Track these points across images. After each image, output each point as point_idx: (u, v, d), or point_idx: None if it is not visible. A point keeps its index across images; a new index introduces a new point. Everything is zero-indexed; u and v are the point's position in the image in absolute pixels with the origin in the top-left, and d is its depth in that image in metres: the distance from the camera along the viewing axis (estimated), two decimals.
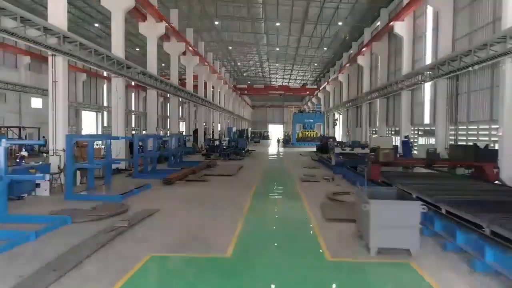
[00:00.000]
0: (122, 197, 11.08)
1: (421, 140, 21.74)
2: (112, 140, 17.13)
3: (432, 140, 19.92)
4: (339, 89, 48.47)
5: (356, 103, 36.17)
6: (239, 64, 62.34)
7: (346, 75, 43.38)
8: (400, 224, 6.36)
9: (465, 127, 17.37)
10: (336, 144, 21.22)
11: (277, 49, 47.32)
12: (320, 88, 60.97)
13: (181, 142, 27.04)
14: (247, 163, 24.79)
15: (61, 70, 13.68)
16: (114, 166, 17.37)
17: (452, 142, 17.60)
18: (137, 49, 45.90)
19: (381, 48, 27.99)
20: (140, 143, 22.52)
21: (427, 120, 20.99)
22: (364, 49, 32.40)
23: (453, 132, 17.98)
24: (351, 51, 40.84)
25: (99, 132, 49.81)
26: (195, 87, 42.33)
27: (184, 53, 34.24)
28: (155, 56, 23.76)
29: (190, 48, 32.38)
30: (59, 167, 12.97)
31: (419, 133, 21.82)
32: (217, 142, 34.84)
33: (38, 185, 11.59)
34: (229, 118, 63.82)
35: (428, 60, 20.75)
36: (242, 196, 12.30)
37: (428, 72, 18.67)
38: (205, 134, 46.35)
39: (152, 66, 23.36)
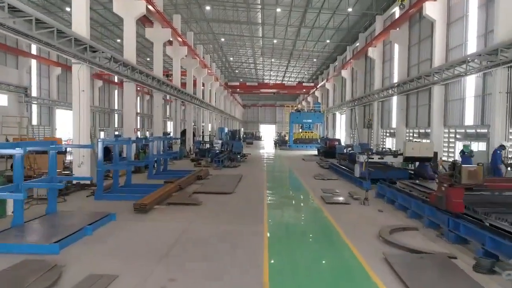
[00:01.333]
0: (59, 247, 6.75)
1: (460, 145, 17.83)
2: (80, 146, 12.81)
3: (481, 146, 16.00)
4: (341, 86, 44.53)
5: (363, 102, 32.24)
6: (231, 59, 58.07)
7: (350, 70, 39.44)
8: None
9: None
10: (361, 151, 17.07)
11: (274, 41, 43.17)
12: (318, 86, 57.04)
13: (166, 146, 22.75)
14: (245, 171, 20.57)
15: None
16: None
17: None
18: (118, 40, 41.34)
19: (400, 35, 24.03)
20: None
21: (470, 120, 17.05)
22: (375, 40, 28.45)
23: None
24: (357, 44, 36.92)
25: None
26: (183, 85, 38.02)
27: (170, 43, 29.85)
28: (133, 41, 19.36)
29: (178, 37, 28.00)
30: None
31: (457, 136, 17.90)
32: (208, 145, 30.53)
33: None
34: (220, 117, 59.46)
35: (473, 46, 16.81)
36: (253, 238, 8.05)
37: (479, 60, 14.69)
38: (194, 135, 42.06)
39: (129, 53, 18.96)
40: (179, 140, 31.61)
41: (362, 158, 15.34)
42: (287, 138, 57.39)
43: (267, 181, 16.91)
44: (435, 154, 15.29)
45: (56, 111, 40.55)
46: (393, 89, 24.50)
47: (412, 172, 16.26)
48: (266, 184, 15.97)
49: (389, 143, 27.52)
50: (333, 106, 47.01)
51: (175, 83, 28.88)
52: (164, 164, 19.32)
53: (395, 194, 11.38)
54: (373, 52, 29.29)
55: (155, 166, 18.30)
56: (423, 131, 21.62)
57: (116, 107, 57.57)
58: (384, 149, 23.66)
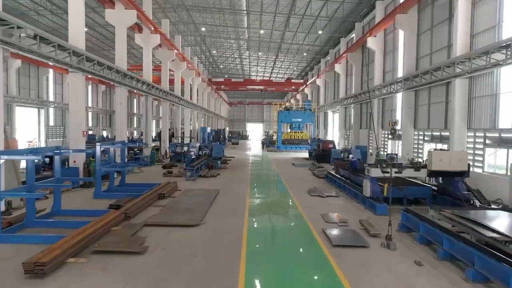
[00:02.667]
0: None
1: (491, 152, 14.29)
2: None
3: None
4: (334, 82, 40.95)
5: (360, 99, 28.65)
6: (214, 52, 53.97)
7: (344, 64, 35.85)
8: None
9: None
10: (373, 163, 13.28)
11: (261, 31, 39.30)
12: (308, 83, 53.39)
13: (122, 152, 18.88)
14: (224, 183, 16.73)
15: None
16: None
17: None
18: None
19: (407, 21, 20.41)
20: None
21: (505, 122, 13.50)
22: (375, 28, 24.83)
23: None
24: (353, 35, 33.33)
25: (42, 133, 40.61)
26: (157, 79, 33.89)
27: (139, 30, 25.74)
28: (81, 20, 15.27)
29: (149, 23, 23.89)
30: None
31: (486, 141, 14.37)
32: (186, 148, 26.58)
33: None
34: (203, 116, 55.36)
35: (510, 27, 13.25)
36: None
37: None
38: (172, 136, 38.02)
39: (75, 35, 14.89)
40: (154, 142, 27.64)
41: (375, 172, 11.67)
42: (275, 137, 53.72)
43: (249, 200, 13.09)
44: (469, 166, 11.72)
45: (16, 108, 35.97)
46: (398, 84, 20.91)
47: (436, 188, 12.71)
48: (248, 205, 12.15)
49: (393, 147, 23.99)
50: (324, 104, 43.43)
51: (145, 77, 24.84)
52: (121, 177, 15.34)
53: (436, 234, 7.68)
54: (373, 43, 25.67)
55: (119, 176, 14.32)
56: (437, 133, 18.07)
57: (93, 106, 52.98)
58: (389, 155, 20.13)
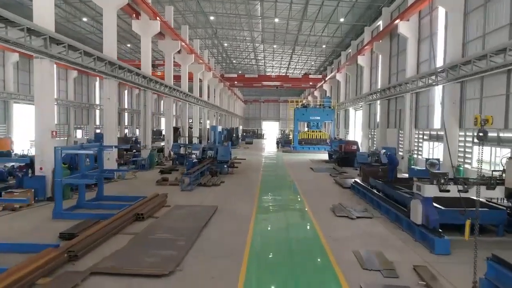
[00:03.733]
0: None
1: None
2: None
3: None
4: (356, 77, 37.28)
5: (388, 94, 24.97)
6: (225, 45, 50.80)
7: (368, 56, 32.18)
8: None
9: None
10: (428, 176, 9.76)
11: (276, 20, 35.91)
12: (327, 78, 49.72)
13: (100, 158, 16.08)
14: (226, 196, 13.60)
15: None
16: None
17: None
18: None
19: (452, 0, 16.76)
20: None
21: None
22: (408, 11, 21.18)
23: None
24: (379, 23, 29.67)
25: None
26: (157, 73, 30.99)
27: (137, 16, 22.78)
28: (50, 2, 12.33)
29: (147, 8, 20.89)
30: None
31: None
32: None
33: None
34: (215, 114, 52.46)
35: None
36: None
37: None
38: (179, 136, 35.15)
39: (43, 15, 11.97)
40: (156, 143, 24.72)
41: (429, 190, 8.29)
42: (291, 136, 50.33)
43: (253, 227, 9.84)
44: None
45: (14, 106, 33.74)
46: (440, 74, 17.29)
47: (510, 212, 9.25)
48: (250, 236, 8.90)
49: (430, 150, 20.33)
50: (345, 101, 39.74)
51: (144, 70, 21.91)
52: (98, 188, 12.36)
53: None
54: (405, 28, 22.01)
55: (99, 187, 11.36)
56: (493, 134, 14.44)
57: (97, 102, 50.76)
58: (429, 161, 16.59)
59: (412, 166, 19.33)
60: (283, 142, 48.88)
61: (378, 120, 29.13)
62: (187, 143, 31.39)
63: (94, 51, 14.89)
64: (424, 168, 17.56)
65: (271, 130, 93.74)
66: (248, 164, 25.46)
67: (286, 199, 13.80)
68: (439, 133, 19.14)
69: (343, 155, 24.53)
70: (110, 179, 16.23)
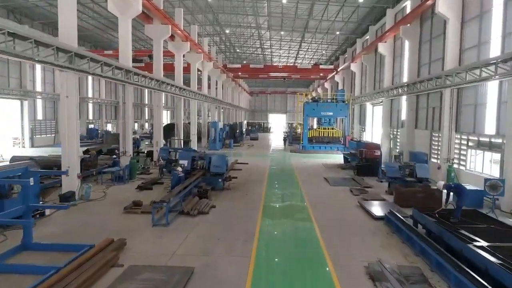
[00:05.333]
0: None
1: None
2: None
3: None
4: (375, 67, 32.90)
5: (418, 89, 20.68)
6: (227, 32, 46.46)
7: (390, 44, 27.81)
8: None
9: None
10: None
11: (284, 1, 31.52)
12: (339, 69, 45.26)
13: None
14: (214, 237, 9.65)
15: None
16: None
17: None
18: None
19: None
20: None
21: None
22: None
23: None
24: (404, 4, 25.25)
25: (25, 128, 34.55)
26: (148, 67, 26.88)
27: None
28: None
29: None
30: None
31: None
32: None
33: None
34: (216, 108, 48.44)
35: None
36: None
37: None
38: (173, 135, 31.15)
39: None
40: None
41: None
42: (299, 131, 46.13)
43: None
44: None
45: None
46: (501, 65, 13.04)
47: None
48: None
49: (477, 160, 16.10)
50: (361, 95, 35.40)
51: (123, 60, 17.92)
52: (24, 232, 8.47)
53: None
54: (445, 6, 17.61)
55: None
56: None
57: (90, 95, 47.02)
58: (490, 182, 12.54)
59: (453, 182, 15.08)
60: (291, 139, 44.89)
61: (403, 118, 24.92)
62: (182, 143, 27.47)
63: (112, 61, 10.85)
64: (474, 188, 13.48)
65: (278, 123, 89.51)
66: (250, 171, 21.49)
67: (299, 244, 9.71)
68: (493, 140, 14.90)
69: (364, 162, 20.43)
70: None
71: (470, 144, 16.71)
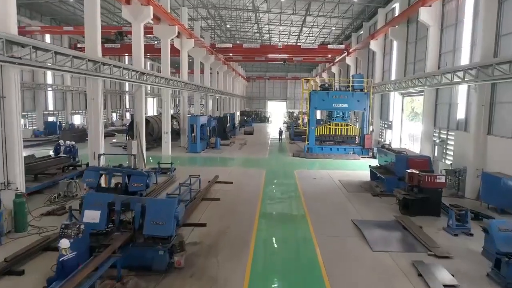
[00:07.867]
0: None
1: None
2: None
3: None
4: (406, 44, 24.72)
5: (495, 76, 12.66)
6: (213, 1, 37.84)
7: (435, 10, 19.58)
8: None
9: None
10: None
11: None
12: (353, 48, 36.93)
13: None
14: None
15: None
16: None
17: None
18: None
19: None
20: None
21: None
22: None
23: None
24: None
25: None
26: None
27: None
28: None
29: None
30: None
31: None
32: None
33: None
34: (204, 97, 40.25)
35: None
36: None
37: None
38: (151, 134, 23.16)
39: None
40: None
41: None
42: (300, 121, 38.10)
43: None
44: None
45: None
46: None
47: None
48: None
49: None
50: (384, 82, 27.32)
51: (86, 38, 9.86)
52: None
53: None
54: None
55: None
56: None
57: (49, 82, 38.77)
58: None
59: None
60: (292, 134, 37.16)
61: (461, 116, 17.00)
62: (142, 150, 19.48)
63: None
64: None
65: (277, 111, 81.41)
66: (232, 204, 13.60)
67: None
68: None
69: (419, 195, 12.45)
70: None
71: None
